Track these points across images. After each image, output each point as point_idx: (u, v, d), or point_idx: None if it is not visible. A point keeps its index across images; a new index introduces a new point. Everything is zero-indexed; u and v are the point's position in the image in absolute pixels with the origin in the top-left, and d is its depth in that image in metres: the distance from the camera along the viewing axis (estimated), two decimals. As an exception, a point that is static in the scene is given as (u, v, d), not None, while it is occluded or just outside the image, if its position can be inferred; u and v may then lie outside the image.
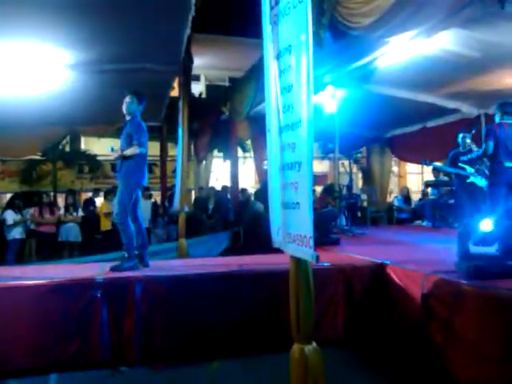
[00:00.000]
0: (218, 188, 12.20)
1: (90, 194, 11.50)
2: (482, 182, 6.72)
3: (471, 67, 6.72)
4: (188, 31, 6.08)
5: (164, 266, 4.82)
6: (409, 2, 4.42)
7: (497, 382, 2.86)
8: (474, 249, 3.59)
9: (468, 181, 6.85)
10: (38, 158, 12.24)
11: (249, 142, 11.79)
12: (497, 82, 7.40)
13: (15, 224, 8.68)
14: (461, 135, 7.19)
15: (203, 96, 14.52)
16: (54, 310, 3.66)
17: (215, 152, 13.43)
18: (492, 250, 3.51)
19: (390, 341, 4.05)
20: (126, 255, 4.27)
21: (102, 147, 13.09)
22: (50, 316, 3.64)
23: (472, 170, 6.79)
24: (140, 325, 3.76)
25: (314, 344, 2.18)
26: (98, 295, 3.69)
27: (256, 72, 7.04)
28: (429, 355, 3.52)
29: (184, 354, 3.82)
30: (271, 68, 2.36)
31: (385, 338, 4.10)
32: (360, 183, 14.58)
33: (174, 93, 8.96)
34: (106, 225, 9.49)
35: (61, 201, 11.21)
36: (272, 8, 2.29)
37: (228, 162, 11.48)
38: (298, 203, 2.10)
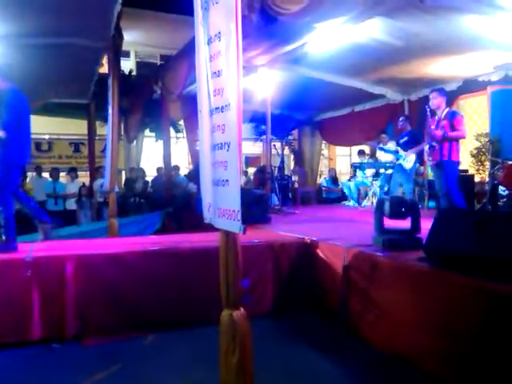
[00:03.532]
0: (149, 169, 12.07)
1: None
2: (406, 164, 7.25)
3: (395, 55, 7.08)
4: (118, 7, 5.92)
5: (96, 244, 4.79)
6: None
7: (404, 339, 3.19)
8: (389, 223, 3.93)
9: (397, 162, 7.39)
10: None
11: (181, 122, 11.69)
12: (418, 70, 7.87)
13: None
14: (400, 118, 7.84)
15: (133, 73, 14.15)
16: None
17: (147, 132, 13.19)
18: (404, 224, 3.85)
19: (315, 311, 4.34)
20: (4, 237, 4.12)
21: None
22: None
23: (403, 153, 7.32)
24: (72, 302, 3.75)
25: (242, 310, 2.35)
26: (28, 274, 3.63)
27: (189, 51, 6.97)
28: (349, 322, 3.82)
29: (118, 330, 3.85)
30: (202, 52, 2.43)
31: (310, 309, 4.39)
32: (291, 165, 14.97)
33: (103, 69, 8.68)
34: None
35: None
36: (203, -6, 2.37)
37: (160, 142, 11.34)
38: (227, 181, 2.23)
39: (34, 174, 10.78)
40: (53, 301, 3.73)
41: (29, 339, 3.65)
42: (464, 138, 5.81)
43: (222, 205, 2.31)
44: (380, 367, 3.32)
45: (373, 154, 10.76)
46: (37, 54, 6.74)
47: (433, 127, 5.53)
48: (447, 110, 5.62)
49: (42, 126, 12.86)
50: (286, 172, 12.75)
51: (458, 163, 5.54)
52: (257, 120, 11.79)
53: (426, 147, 5.74)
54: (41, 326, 3.68)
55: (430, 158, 5.62)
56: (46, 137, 12.86)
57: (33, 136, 12.78)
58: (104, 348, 3.69)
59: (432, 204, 8.08)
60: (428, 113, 5.66)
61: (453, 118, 5.49)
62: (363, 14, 5.51)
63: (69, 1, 5.37)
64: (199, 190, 2.79)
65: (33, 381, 3.20)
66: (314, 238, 4.57)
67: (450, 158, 5.41)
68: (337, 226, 6.00)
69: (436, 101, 5.59)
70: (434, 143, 5.52)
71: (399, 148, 7.44)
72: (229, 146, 2.21)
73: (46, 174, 11.11)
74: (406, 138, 7.48)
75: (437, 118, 5.61)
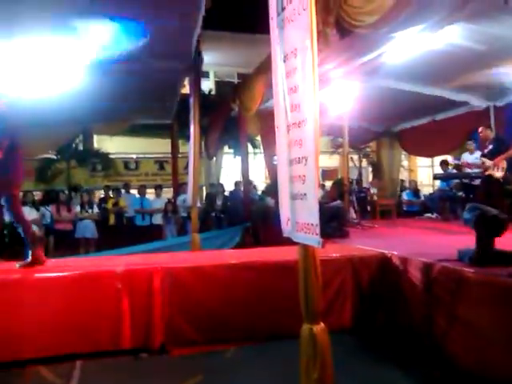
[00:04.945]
0: (228, 184, 12.38)
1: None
2: (498, 173, 6.84)
3: (477, 60, 6.79)
4: (198, 31, 6.23)
5: (180, 257, 4.99)
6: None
7: (496, 363, 2.99)
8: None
9: (486, 173, 6.98)
10: (52, 156, 12.52)
11: (258, 137, 11.92)
12: (503, 74, 7.46)
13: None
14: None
15: (213, 93, 14.67)
16: (78, 300, 3.84)
17: (226, 148, 13.59)
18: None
19: (396, 328, 4.20)
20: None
21: (114, 145, 13.39)
22: (73, 305, 3.82)
23: (490, 163, 6.93)
24: (159, 314, 3.94)
25: (322, 324, 2.34)
26: (119, 286, 3.88)
27: (265, 68, 7.13)
28: (432, 340, 3.65)
29: (201, 342, 3.98)
30: (279, 69, 2.51)
31: (391, 325, 4.25)
32: (370, 177, 14.66)
33: (185, 90, 9.13)
34: (111, 220, 10.05)
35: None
36: (279, 14, 2.45)
37: (238, 158, 11.62)
38: (305, 194, 2.27)
39: (123, 191, 11.47)
40: (141, 312, 3.93)
41: (120, 348, 3.88)
42: None
43: (300, 219, 2.34)
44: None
45: (457, 165, 10.25)
46: (122, 77, 7.24)
47: None
48: None
49: (129, 147, 13.80)
50: (364, 184, 12.52)
51: None
52: (333, 133, 11.73)
53: None
54: (130, 336, 3.89)
55: None
56: (134, 156, 13.70)
57: (121, 156, 13.82)
58: (188, 359, 3.83)
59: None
60: None
61: None
62: (442, 21, 5.35)
63: (153, 29, 5.73)
64: (277, 204, 2.84)
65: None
66: (395, 253, 4.43)
67: None
68: (418, 240, 5.78)
69: None
70: None
71: (484, 159, 7.01)
72: (306, 161, 2.25)
73: (133, 191, 11.79)
74: (490, 147, 7.05)
75: None
